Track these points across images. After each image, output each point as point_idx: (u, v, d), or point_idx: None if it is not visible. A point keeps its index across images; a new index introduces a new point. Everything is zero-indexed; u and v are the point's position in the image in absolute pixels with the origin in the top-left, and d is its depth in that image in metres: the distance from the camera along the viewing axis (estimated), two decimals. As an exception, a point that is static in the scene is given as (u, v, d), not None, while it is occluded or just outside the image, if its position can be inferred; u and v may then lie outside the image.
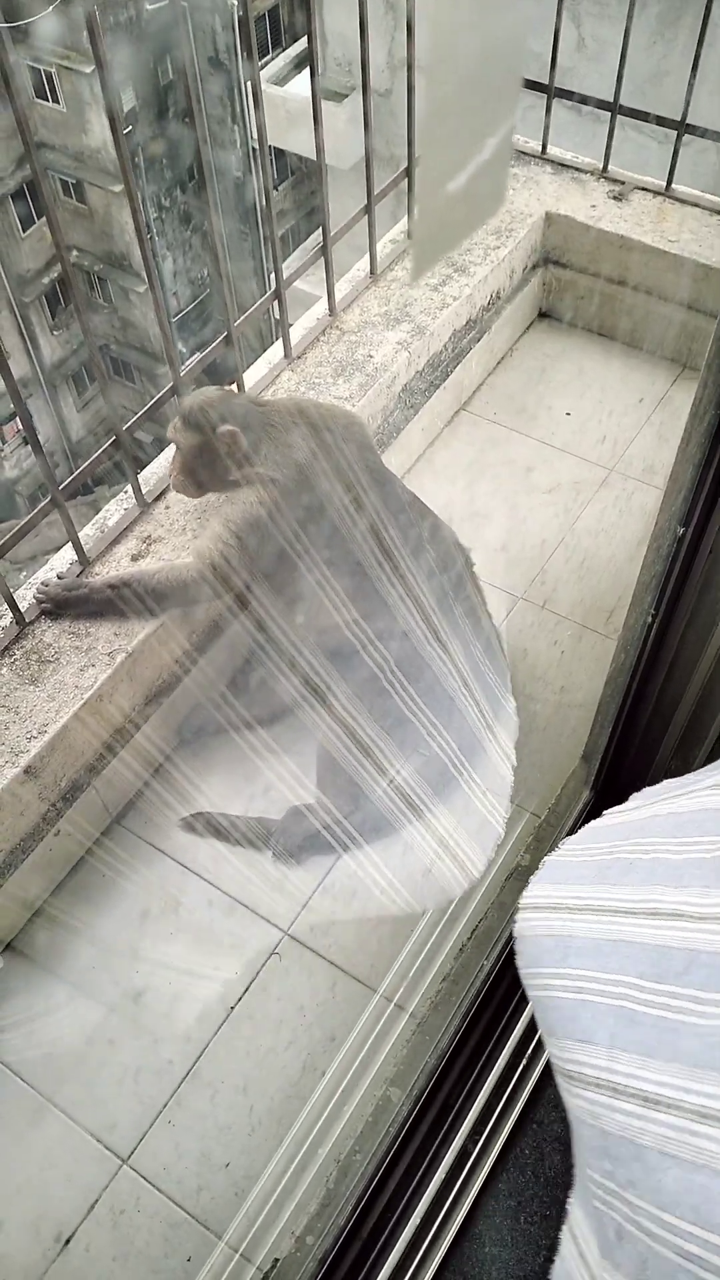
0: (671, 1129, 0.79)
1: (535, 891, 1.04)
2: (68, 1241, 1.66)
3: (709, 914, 0.87)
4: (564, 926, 1.00)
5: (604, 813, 1.18)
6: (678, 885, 0.92)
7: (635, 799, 1.20)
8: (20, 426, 15.39)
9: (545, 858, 1.05)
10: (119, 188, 14.15)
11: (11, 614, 1.88)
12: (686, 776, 1.12)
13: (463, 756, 2.03)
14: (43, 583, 1.94)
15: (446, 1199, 1.39)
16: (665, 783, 1.17)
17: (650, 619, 1.21)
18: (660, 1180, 0.78)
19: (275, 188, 13.45)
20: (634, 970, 0.89)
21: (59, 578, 1.96)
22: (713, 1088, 0.78)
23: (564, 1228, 0.97)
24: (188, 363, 2.08)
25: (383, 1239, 1.36)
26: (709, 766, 1.07)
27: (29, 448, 15.67)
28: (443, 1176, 1.40)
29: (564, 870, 1.05)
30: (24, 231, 14.48)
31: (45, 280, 14.98)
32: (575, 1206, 0.94)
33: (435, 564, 2.01)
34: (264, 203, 2.14)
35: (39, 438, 1.87)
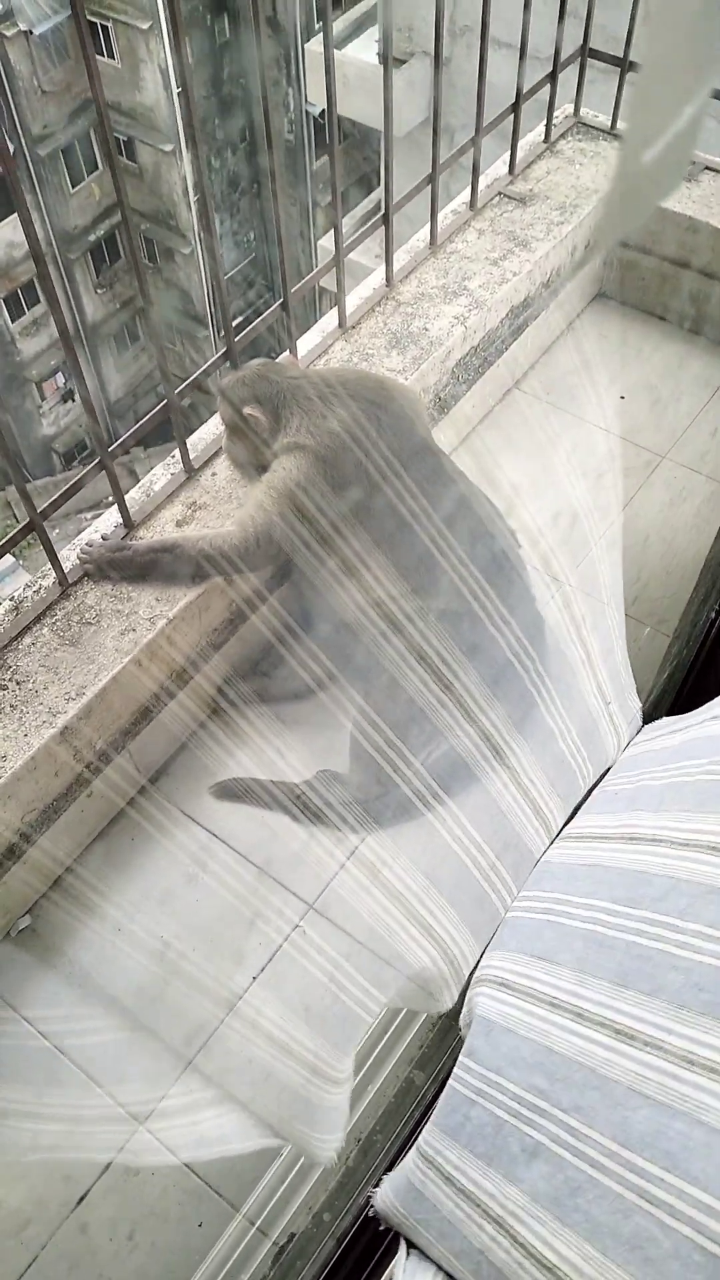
0: (649, 1069, 0.76)
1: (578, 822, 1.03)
2: (81, 1200, 1.67)
3: (690, 840, 0.83)
4: (544, 856, 0.98)
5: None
6: (657, 810, 0.88)
7: (633, 742, 1.17)
8: (59, 384, 15.42)
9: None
10: (169, 146, 14.04)
11: (55, 574, 1.87)
12: (688, 714, 1.09)
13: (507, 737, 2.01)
14: (87, 543, 1.94)
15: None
16: (664, 719, 1.15)
17: (714, 614, 1.18)
18: (627, 1117, 0.75)
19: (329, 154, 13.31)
20: (607, 895, 0.85)
21: (103, 539, 1.95)
22: (698, 1032, 0.75)
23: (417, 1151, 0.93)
24: (242, 332, 2.05)
25: (401, 1221, 1.35)
26: (712, 703, 1.03)
27: (67, 405, 15.69)
28: (464, 1163, 1.39)
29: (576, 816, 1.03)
30: (73, 188, 14.41)
31: (91, 238, 14.92)
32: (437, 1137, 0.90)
33: (476, 542, 1.98)
34: (331, 173, 2.10)
35: (85, 399, 1.86)
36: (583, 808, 0.98)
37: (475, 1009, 0.89)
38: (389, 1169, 1.37)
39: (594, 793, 1.02)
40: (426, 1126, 0.86)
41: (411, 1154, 0.86)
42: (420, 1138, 0.87)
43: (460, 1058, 0.86)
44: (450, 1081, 0.85)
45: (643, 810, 0.91)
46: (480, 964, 0.93)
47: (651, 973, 0.78)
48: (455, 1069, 0.85)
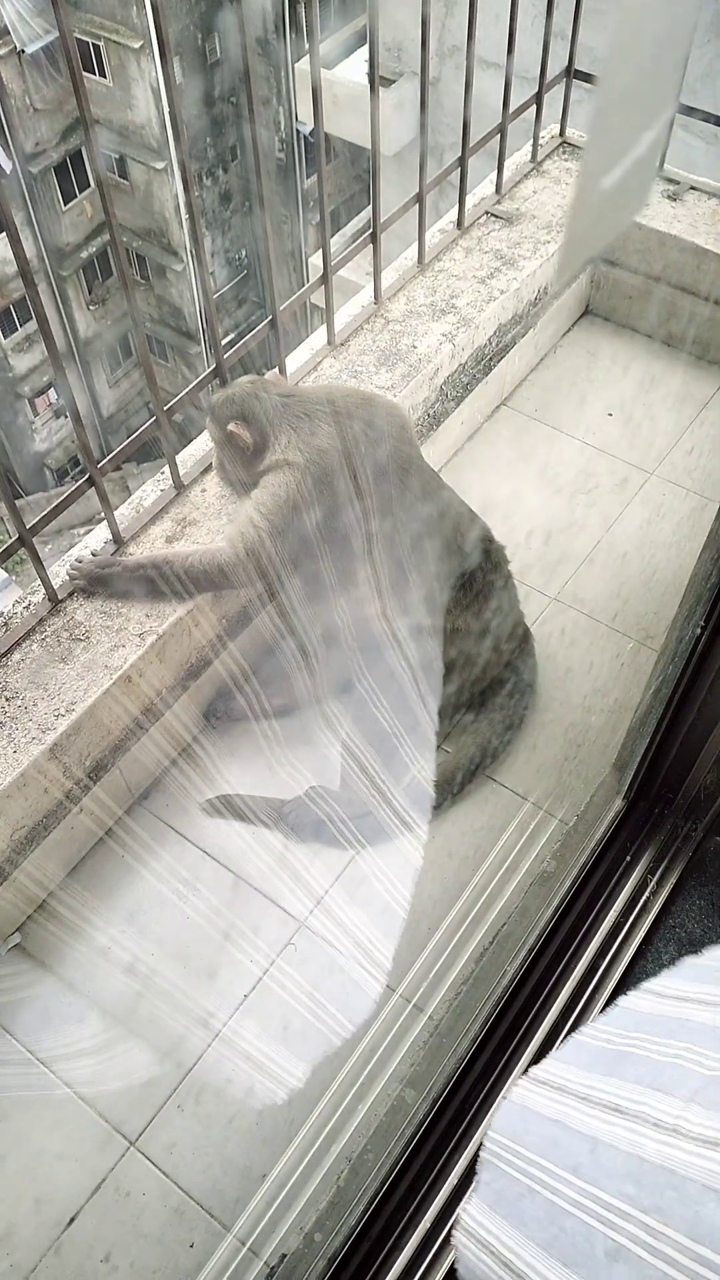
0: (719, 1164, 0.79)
1: (664, 981, 1.06)
2: (72, 1220, 1.65)
3: None
4: (678, 1010, 1.03)
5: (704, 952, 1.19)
6: None
7: None
8: (52, 399, 15.45)
9: (685, 958, 1.07)
10: (161, 164, 14.12)
11: (44, 591, 1.87)
12: None
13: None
14: (76, 559, 1.94)
15: (457, 1206, 1.38)
16: None
17: (700, 630, 1.19)
18: (697, 1212, 0.77)
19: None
20: None
21: (93, 555, 1.95)
22: None
23: (458, 1235, 0.96)
24: (232, 349, 2.06)
25: (392, 1241, 1.35)
26: None
27: (60, 421, 15.71)
28: (455, 1183, 1.39)
29: (692, 970, 1.06)
30: (65, 205, 14.47)
31: (84, 254, 14.97)
32: (481, 1213, 0.93)
33: (462, 558, 1.99)
34: (319, 190, 2.11)
35: (74, 416, 1.86)
36: (692, 972, 1.03)
37: (577, 1125, 0.92)
38: (380, 1188, 1.37)
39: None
40: (510, 1238, 0.89)
41: (495, 1271, 0.89)
42: (504, 1250, 0.90)
43: (559, 1170, 0.89)
44: (548, 1195, 0.88)
45: None
46: (586, 1083, 0.96)
47: None
48: (550, 1181, 0.89)
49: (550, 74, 2.59)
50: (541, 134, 2.74)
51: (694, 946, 1.63)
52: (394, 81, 10.53)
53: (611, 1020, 1.03)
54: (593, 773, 1.92)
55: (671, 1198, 0.79)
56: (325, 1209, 1.51)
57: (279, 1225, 1.57)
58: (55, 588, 1.89)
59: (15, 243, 1.42)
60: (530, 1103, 0.97)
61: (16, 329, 14.72)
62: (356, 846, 1.98)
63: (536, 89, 2.58)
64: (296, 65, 12.83)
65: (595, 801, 1.74)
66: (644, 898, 1.62)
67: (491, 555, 2.03)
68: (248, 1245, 1.58)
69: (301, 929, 1.90)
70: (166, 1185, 1.67)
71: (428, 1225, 1.36)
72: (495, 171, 2.64)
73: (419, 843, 1.98)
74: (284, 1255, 1.53)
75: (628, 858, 1.66)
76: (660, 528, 2.45)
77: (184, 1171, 1.68)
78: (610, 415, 2.67)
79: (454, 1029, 1.61)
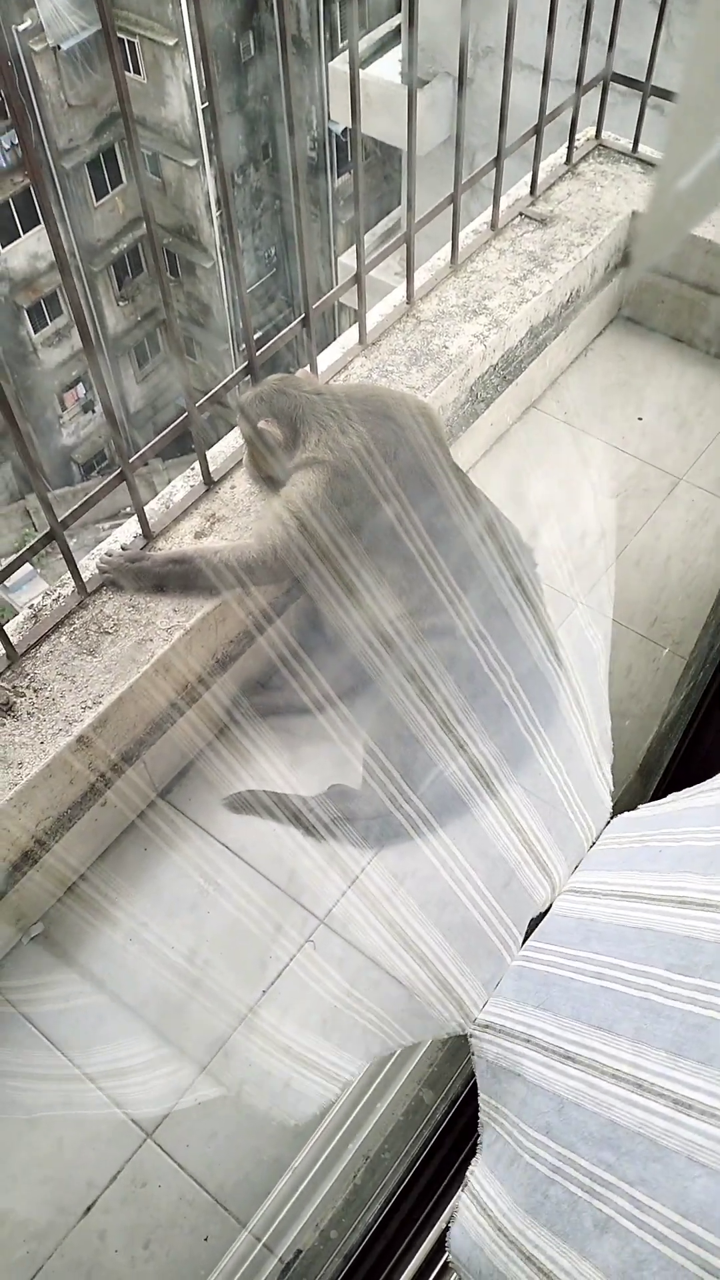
0: (705, 1137, 0.77)
1: (570, 877, 1.04)
2: (88, 1210, 1.66)
3: None
4: (585, 910, 0.99)
5: (639, 807, 1.16)
6: (706, 873, 0.90)
7: (672, 796, 1.18)
8: (80, 394, 15.53)
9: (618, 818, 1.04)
10: (193, 162, 14.17)
11: (74, 583, 1.89)
12: None
13: (506, 759, 2.01)
14: (106, 553, 1.95)
15: (474, 1206, 1.37)
16: (706, 782, 1.15)
17: (731, 637, 1.18)
18: (686, 1187, 0.76)
19: (349, 173, 13.44)
20: (660, 961, 0.87)
21: (123, 549, 1.96)
22: None
23: (463, 1195, 0.94)
24: (265, 346, 2.07)
25: (408, 1240, 1.35)
26: None
27: (87, 416, 15.80)
28: (472, 1183, 1.39)
29: (593, 858, 1.04)
30: (97, 201, 14.55)
31: (114, 251, 15.05)
32: (485, 1176, 0.91)
33: (493, 561, 1.99)
34: (355, 190, 2.11)
35: (107, 409, 1.87)
36: (622, 860, 0.99)
37: (538, 1079, 0.90)
38: (397, 1187, 1.37)
39: (633, 846, 1.03)
40: (504, 1202, 0.87)
41: (489, 1233, 0.87)
42: (499, 1214, 0.88)
43: (533, 1133, 0.87)
44: (528, 1160, 0.86)
45: (691, 872, 0.93)
46: (522, 1020, 0.93)
47: (705, 1041, 0.80)
48: (529, 1144, 0.86)
49: (587, 77, 2.58)
50: (577, 136, 2.73)
51: None
52: (427, 82, 10.51)
53: (546, 936, 1.00)
54: (619, 778, 1.91)
55: (657, 1171, 0.77)
56: (342, 1206, 1.52)
57: (295, 1221, 1.57)
58: (85, 581, 1.90)
59: (55, 237, 1.43)
60: (488, 1055, 0.96)
61: (47, 323, 14.82)
62: (377, 845, 1.99)
63: (574, 91, 2.57)
64: (331, 64, 12.83)
65: (619, 809, 1.73)
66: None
67: (517, 560, 2.02)
68: (263, 1241, 1.59)
69: (321, 927, 1.90)
70: (182, 1178, 1.67)
71: (444, 1225, 1.36)
72: (530, 173, 2.63)
73: (441, 843, 1.98)
74: (299, 1251, 1.54)
75: (651, 864, 1.65)
76: (691, 534, 2.44)
77: (200, 1164, 1.69)
78: (640, 420, 2.65)
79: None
